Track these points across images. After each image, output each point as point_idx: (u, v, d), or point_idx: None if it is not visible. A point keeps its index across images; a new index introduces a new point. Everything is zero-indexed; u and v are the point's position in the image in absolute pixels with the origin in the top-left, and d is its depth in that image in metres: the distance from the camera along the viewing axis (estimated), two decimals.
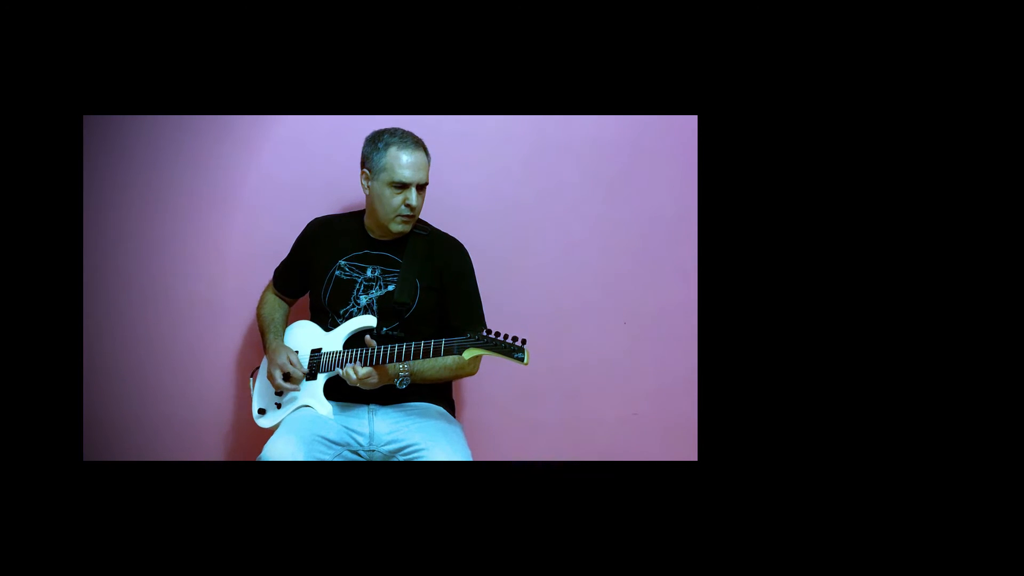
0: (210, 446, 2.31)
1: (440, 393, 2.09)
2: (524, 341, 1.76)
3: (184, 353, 2.25)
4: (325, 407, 1.97)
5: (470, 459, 1.88)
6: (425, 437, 1.90)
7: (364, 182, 2.00)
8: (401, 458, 1.92)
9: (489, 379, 2.22)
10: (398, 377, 1.91)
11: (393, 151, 1.93)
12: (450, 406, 2.11)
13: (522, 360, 1.75)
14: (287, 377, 1.99)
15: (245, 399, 2.23)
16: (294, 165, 2.22)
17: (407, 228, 2.00)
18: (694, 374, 2.08)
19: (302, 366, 2.00)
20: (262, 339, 2.11)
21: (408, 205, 1.95)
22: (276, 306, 2.15)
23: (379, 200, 1.97)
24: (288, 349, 2.03)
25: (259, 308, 2.16)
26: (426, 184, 1.99)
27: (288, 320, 2.14)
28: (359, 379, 1.89)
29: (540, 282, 2.33)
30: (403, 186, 1.94)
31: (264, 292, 2.19)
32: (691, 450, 2.08)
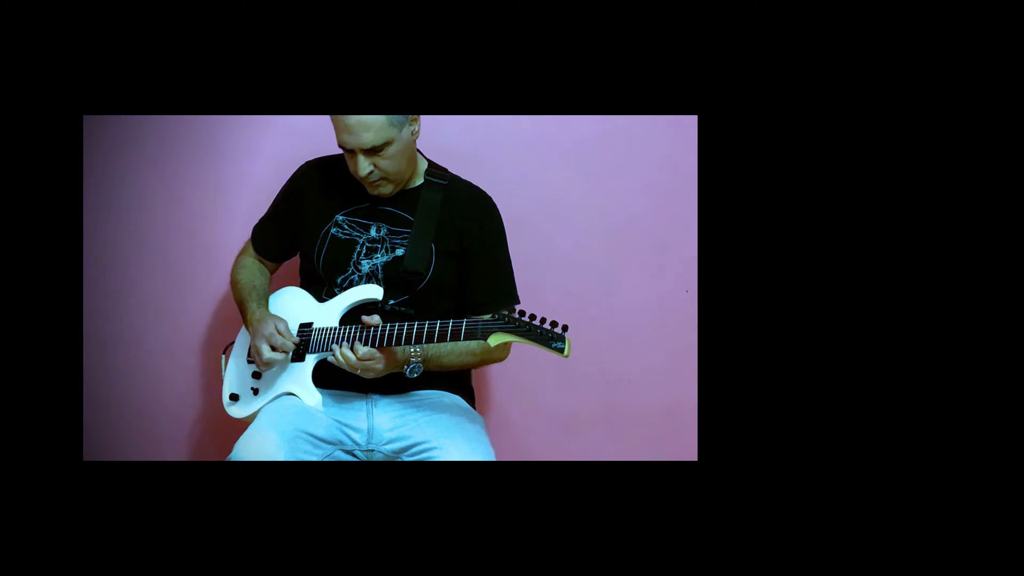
0: (174, 443, 2.18)
1: (456, 379, 1.79)
2: (565, 328, 1.47)
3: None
4: (313, 396, 1.66)
5: (493, 459, 1.61)
6: (437, 433, 1.63)
7: None
8: (407, 459, 1.65)
9: (517, 363, 1.89)
10: (409, 364, 1.61)
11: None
12: (469, 395, 1.82)
13: (562, 351, 1.46)
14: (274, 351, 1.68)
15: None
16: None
17: (385, 191, 1.70)
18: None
19: (293, 336, 1.68)
20: (241, 309, 1.79)
21: (357, 176, 1.66)
22: (256, 271, 1.83)
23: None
24: (276, 318, 1.70)
25: (234, 273, 1.84)
26: (382, 145, 1.63)
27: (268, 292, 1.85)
28: (357, 362, 1.58)
29: (579, 251, 2.13)
30: (350, 151, 1.65)
31: (239, 255, 1.89)
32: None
